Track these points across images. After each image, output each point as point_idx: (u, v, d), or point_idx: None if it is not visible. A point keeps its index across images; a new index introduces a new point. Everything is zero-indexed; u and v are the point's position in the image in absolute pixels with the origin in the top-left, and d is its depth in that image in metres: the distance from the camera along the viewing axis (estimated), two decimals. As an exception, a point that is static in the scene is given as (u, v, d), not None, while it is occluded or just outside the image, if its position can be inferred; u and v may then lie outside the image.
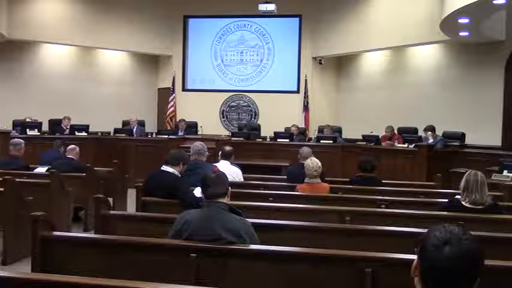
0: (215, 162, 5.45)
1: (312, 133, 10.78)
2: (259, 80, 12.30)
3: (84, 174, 5.97)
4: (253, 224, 2.68)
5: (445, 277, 1.24)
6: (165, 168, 4.12)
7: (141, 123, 10.69)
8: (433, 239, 1.28)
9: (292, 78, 12.05)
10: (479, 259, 1.26)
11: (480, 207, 3.55)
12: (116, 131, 9.99)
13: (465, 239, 1.26)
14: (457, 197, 3.77)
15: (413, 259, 1.34)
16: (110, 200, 4.70)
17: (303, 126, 11.10)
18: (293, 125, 10.15)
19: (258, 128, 10.97)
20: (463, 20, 7.61)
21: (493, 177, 5.65)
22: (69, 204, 5.45)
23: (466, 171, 3.78)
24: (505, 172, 5.63)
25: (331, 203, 4.18)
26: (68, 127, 9.45)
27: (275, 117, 11.25)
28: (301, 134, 10.28)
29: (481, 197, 3.54)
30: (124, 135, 9.67)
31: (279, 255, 2.49)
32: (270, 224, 3.15)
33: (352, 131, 10.34)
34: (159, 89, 13.07)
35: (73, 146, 6.39)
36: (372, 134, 9.00)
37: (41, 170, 5.98)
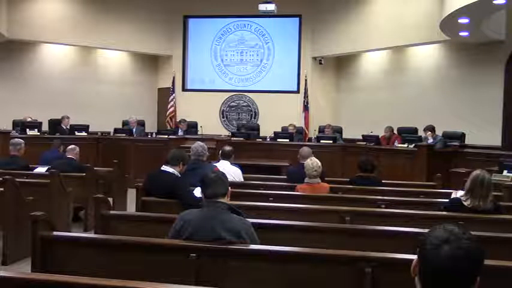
0: (215, 162, 5.46)
1: (312, 133, 10.78)
2: (259, 80, 12.30)
3: (84, 174, 5.97)
4: (253, 224, 2.68)
5: (444, 276, 1.24)
6: (165, 168, 4.12)
7: (141, 123, 10.69)
8: (432, 238, 1.28)
9: (292, 78, 12.05)
10: (478, 259, 1.26)
11: (482, 209, 3.54)
12: (116, 131, 9.99)
13: (465, 238, 1.26)
14: (456, 196, 3.76)
15: (413, 259, 1.34)
16: (110, 200, 4.69)
17: (301, 125, 11.10)
18: (290, 124, 10.14)
19: (257, 128, 10.97)
20: (463, 20, 7.61)
21: (493, 177, 5.63)
22: (69, 204, 5.44)
23: (467, 171, 3.76)
24: (505, 172, 5.62)
25: (331, 203, 4.17)
26: (68, 127, 9.45)
27: (275, 117, 11.25)
28: (299, 133, 10.28)
29: (484, 203, 3.51)
30: (124, 135, 9.67)
31: (279, 255, 2.49)
32: (270, 224, 3.15)
33: (352, 131, 10.34)
34: (159, 89, 13.07)
35: (73, 146, 6.39)
36: (371, 134, 9.00)
37: (41, 170, 5.98)
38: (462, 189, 3.77)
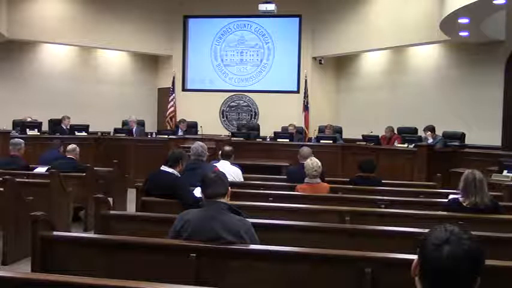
0: (215, 161, 5.46)
1: (312, 133, 10.78)
2: (259, 80, 12.30)
3: (84, 174, 5.97)
4: (253, 224, 2.68)
5: (445, 277, 1.24)
6: (164, 168, 4.11)
7: (141, 123, 10.69)
8: (433, 239, 1.28)
9: (292, 78, 12.05)
10: (479, 259, 1.26)
11: (481, 207, 3.55)
12: (116, 131, 9.99)
13: (465, 238, 1.26)
14: (454, 196, 3.78)
15: (414, 259, 1.34)
16: (110, 200, 4.69)
17: (301, 125, 11.10)
18: (290, 124, 10.15)
19: (257, 128, 10.97)
20: (463, 20, 7.61)
21: (493, 177, 5.65)
22: (69, 204, 5.45)
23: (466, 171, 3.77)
24: (505, 172, 5.62)
25: (331, 203, 4.18)
26: (68, 127, 9.45)
27: (275, 117, 11.25)
28: (299, 133, 10.28)
29: (481, 199, 3.54)
30: (124, 135, 9.67)
31: (279, 255, 2.49)
32: (270, 224, 3.15)
33: (352, 131, 10.34)
34: (159, 89, 13.07)
35: (73, 146, 6.38)
36: (371, 134, 9.00)
37: (41, 170, 5.98)
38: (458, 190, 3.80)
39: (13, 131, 8.51)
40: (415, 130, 9.01)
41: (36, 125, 9.10)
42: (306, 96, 11.51)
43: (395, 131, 9.30)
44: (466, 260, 1.23)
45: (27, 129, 8.73)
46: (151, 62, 13.06)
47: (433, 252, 1.25)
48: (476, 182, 3.53)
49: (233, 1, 11.91)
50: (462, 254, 1.23)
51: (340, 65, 12.35)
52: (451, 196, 3.99)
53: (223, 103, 12.36)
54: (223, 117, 12.39)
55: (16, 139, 6.25)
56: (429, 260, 1.26)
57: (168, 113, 12.00)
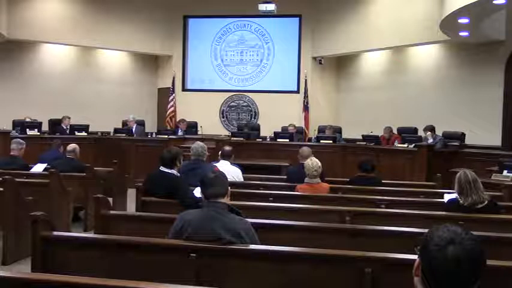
0: (215, 162, 5.46)
1: (312, 133, 10.78)
2: (259, 80, 12.30)
3: (84, 174, 5.97)
4: (253, 224, 2.68)
5: (447, 277, 1.23)
6: (163, 169, 4.11)
7: (141, 123, 10.69)
8: (435, 239, 1.26)
9: (292, 78, 12.05)
10: (481, 259, 1.25)
11: (480, 206, 3.56)
12: (116, 131, 9.99)
13: (468, 239, 1.25)
14: (452, 196, 3.79)
15: (414, 259, 1.33)
16: (110, 200, 4.69)
17: (301, 125, 11.10)
18: (290, 124, 10.15)
19: (257, 128, 10.97)
20: (463, 20, 7.61)
21: (493, 177, 5.65)
22: (69, 204, 5.44)
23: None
24: (505, 172, 5.63)
25: (331, 203, 4.18)
26: (68, 127, 9.45)
27: (275, 117, 11.25)
28: (299, 133, 10.28)
29: (478, 196, 3.57)
30: (124, 135, 9.67)
31: (279, 255, 2.49)
32: (270, 224, 3.15)
33: (352, 131, 10.34)
34: (159, 89, 13.07)
35: (73, 146, 6.38)
36: (371, 134, 9.00)
37: (39, 167, 5.97)
38: (452, 192, 3.83)
39: (13, 131, 8.51)
40: (415, 130, 9.01)
41: (36, 125, 9.09)
42: (306, 96, 11.51)
43: (395, 131, 9.30)
44: (469, 261, 1.22)
45: (27, 129, 8.73)
46: (151, 62, 13.06)
47: (436, 252, 1.24)
48: (470, 181, 3.56)
49: (233, 1, 11.91)
50: (466, 255, 1.22)
51: (340, 65, 12.35)
52: (446, 196, 4.00)
53: (223, 103, 12.36)
54: (223, 117, 12.39)
55: (17, 139, 6.25)
56: (432, 261, 1.25)
57: (168, 113, 12.00)
